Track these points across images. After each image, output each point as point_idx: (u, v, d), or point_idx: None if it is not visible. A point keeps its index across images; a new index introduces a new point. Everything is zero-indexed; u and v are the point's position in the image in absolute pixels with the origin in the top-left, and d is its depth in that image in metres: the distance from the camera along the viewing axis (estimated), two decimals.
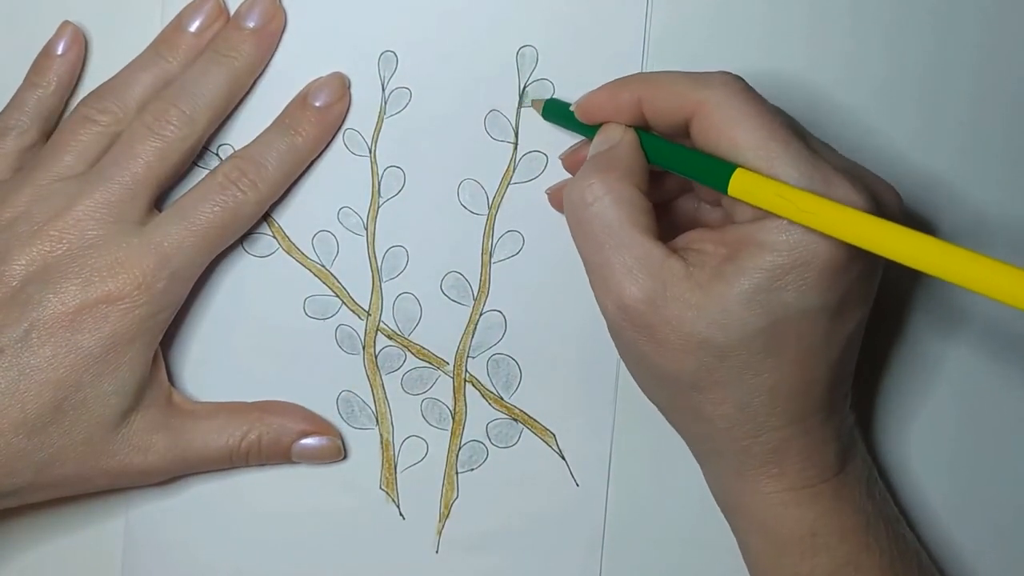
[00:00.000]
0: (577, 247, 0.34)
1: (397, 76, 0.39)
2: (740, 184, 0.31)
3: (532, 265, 0.39)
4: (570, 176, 0.38)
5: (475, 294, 0.40)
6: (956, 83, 0.39)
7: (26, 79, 0.39)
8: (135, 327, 0.35)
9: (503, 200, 0.39)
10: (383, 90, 0.39)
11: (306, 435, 0.39)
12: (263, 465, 0.39)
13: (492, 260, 0.39)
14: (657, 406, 0.36)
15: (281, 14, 0.39)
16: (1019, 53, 0.39)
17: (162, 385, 0.38)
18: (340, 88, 0.38)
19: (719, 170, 0.31)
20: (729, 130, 0.32)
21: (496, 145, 0.39)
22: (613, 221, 0.33)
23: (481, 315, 0.40)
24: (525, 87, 0.39)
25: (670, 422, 0.36)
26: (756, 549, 0.35)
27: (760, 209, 0.31)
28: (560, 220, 0.39)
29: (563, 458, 0.40)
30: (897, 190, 0.34)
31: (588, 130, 0.36)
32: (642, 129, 0.35)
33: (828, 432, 0.34)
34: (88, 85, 0.39)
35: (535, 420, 0.40)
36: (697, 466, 0.37)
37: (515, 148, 0.39)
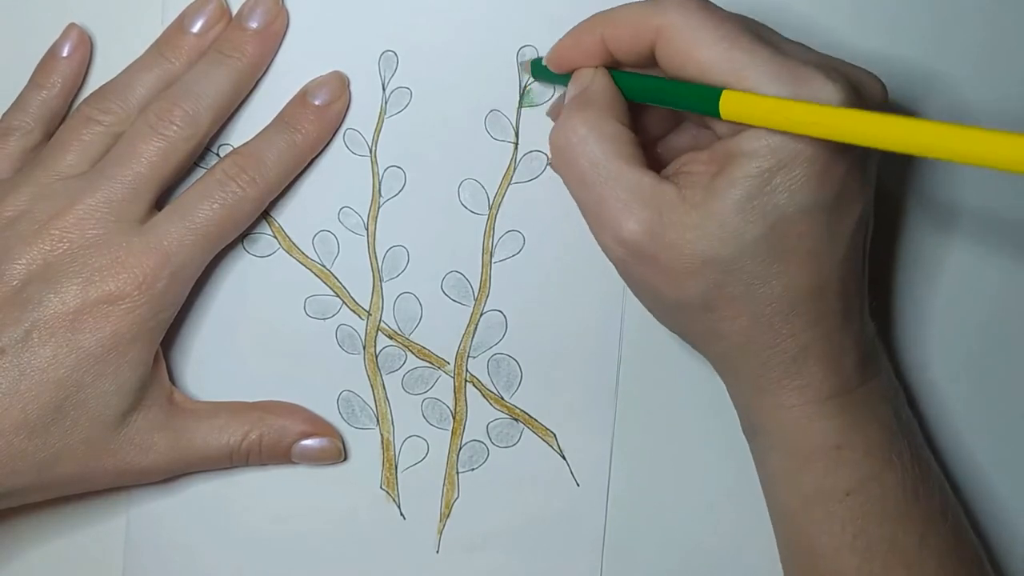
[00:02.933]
0: (569, 190, 0.34)
1: (398, 76, 0.39)
2: (731, 107, 0.31)
3: (533, 265, 0.39)
4: None
5: (476, 294, 0.40)
6: None
7: (31, 80, 0.39)
8: (136, 327, 0.35)
9: (504, 200, 0.39)
10: (384, 90, 0.39)
11: (307, 436, 0.39)
12: (263, 465, 0.39)
13: (493, 260, 0.39)
14: (676, 333, 0.36)
15: (284, 14, 0.39)
16: None
17: (163, 384, 0.38)
18: (339, 87, 0.38)
19: (706, 96, 0.31)
20: (692, 51, 0.32)
21: (497, 145, 0.39)
22: (599, 156, 0.33)
23: (482, 315, 0.40)
24: (526, 87, 0.39)
25: (692, 346, 0.36)
26: (777, 466, 0.35)
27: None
28: (561, 220, 0.39)
29: (564, 458, 0.40)
30: (880, 79, 0.34)
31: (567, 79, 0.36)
32: (614, 68, 0.35)
33: (847, 338, 0.34)
34: (89, 86, 0.39)
35: (536, 420, 0.40)
36: (697, 466, 0.37)
37: (515, 148, 0.39)
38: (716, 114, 0.31)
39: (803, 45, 0.33)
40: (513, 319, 0.39)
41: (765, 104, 0.30)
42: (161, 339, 0.37)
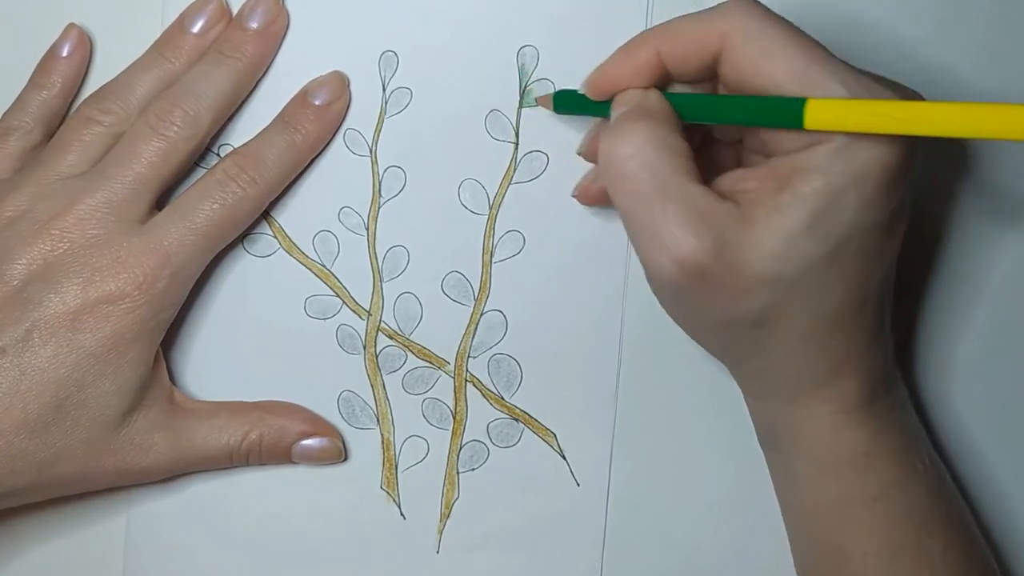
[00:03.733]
0: (619, 207, 0.32)
1: (398, 76, 0.39)
2: (818, 115, 0.29)
3: (533, 265, 0.39)
4: (590, 169, 0.38)
5: (476, 294, 0.40)
6: None
7: (31, 80, 0.39)
8: (136, 326, 0.35)
9: (504, 200, 0.39)
10: (384, 90, 0.39)
11: (307, 436, 0.39)
12: (263, 465, 0.39)
13: (493, 260, 0.39)
14: (708, 349, 0.35)
15: (284, 14, 0.39)
16: None
17: (163, 384, 0.38)
18: (339, 86, 0.38)
19: (786, 108, 0.30)
20: (763, 62, 0.30)
21: (497, 145, 0.39)
22: (662, 169, 0.31)
23: (482, 315, 0.40)
24: (526, 87, 0.39)
25: (721, 360, 0.35)
26: (802, 472, 0.35)
27: (818, 134, 0.30)
28: (561, 220, 0.39)
29: (564, 458, 0.40)
30: (921, 95, 0.33)
31: (604, 109, 0.34)
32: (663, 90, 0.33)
33: (879, 349, 0.34)
34: (89, 86, 0.40)
35: (536, 420, 0.40)
36: (697, 466, 0.37)
37: (516, 148, 0.39)
38: (798, 125, 0.29)
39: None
40: (513, 319, 0.39)
41: (858, 107, 0.29)
42: (161, 339, 0.37)
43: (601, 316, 0.39)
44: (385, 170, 0.39)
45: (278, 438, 0.39)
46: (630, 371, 0.39)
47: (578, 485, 0.40)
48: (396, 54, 0.39)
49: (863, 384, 0.34)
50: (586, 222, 0.38)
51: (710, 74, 0.33)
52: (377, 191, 0.39)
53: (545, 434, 0.40)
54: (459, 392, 0.40)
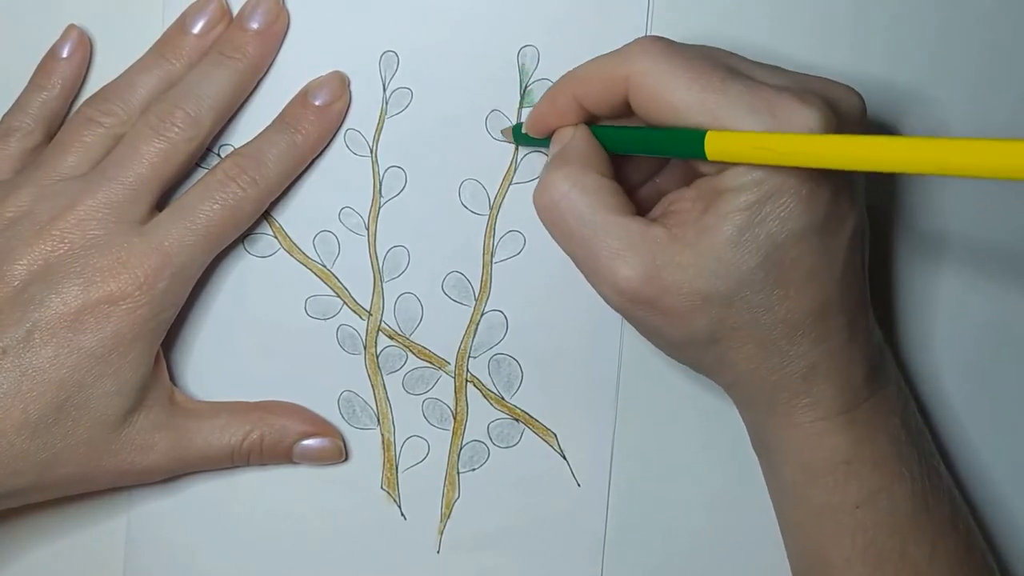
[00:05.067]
0: (560, 246, 0.34)
1: (398, 76, 0.39)
2: (716, 147, 0.31)
3: (533, 265, 0.39)
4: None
5: (476, 294, 0.40)
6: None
7: (31, 81, 0.39)
8: (137, 327, 0.35)
9: (504, 200, 0.39)
10: (384, 90, 0.39)
11: (308, 436, 0.39)
12: (264, 465, 0.39)
13: (493, 260, 0.39)
14: (687, 366, 0.36)
15: (284, 15, 0.39)
16: None
17: (164, 385, 0.38)
18: (340, 87, 0.38)
19: (689, 139, 0.31)
20: (665, 96, 0.32)
21: (497, 145, 0.39)
22: (584, 211, 0.33)
23: (482, 315, 0.40)
24: (527, 87, 0.39)
25: (705, 375, 0.36)
26: (787, 480, 0.35)
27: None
28: None
29: (564, 458, 0.40)
30: (857, 91, 0.34)
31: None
32: (593, 123, 0.35)
33: (855, 352, 0.34)
34: (89, 87, 0.40)
35: (536, 420, 0.40)
36: (698, 466, 0.37)
37: (516, 148, 0.39)
38: (703, 156, 0.31)
39: (774, 67, 0.33)
40: (514, 319, 0.39)
41: (748, 141, 0.30)
42: (162, 339, 0.37)
43: (601, 316, 0.39)
44: (386, 170, 0.39)
45: (279, 438, 0.39)
46: (630, 371, 0.39)
47: (578, 485, 0.40)
48: (396, 54, 0.39)
49: (842, 389, 0.34)
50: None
51: (627, 111, 0.34)
52: (378, 191, 0.39)
53: (545, 434, 0.40)
54: (459, 392, 0.40)
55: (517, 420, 0.40)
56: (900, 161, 0.26)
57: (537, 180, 0.39)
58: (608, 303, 0.34)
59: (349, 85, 0.39)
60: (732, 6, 0.39)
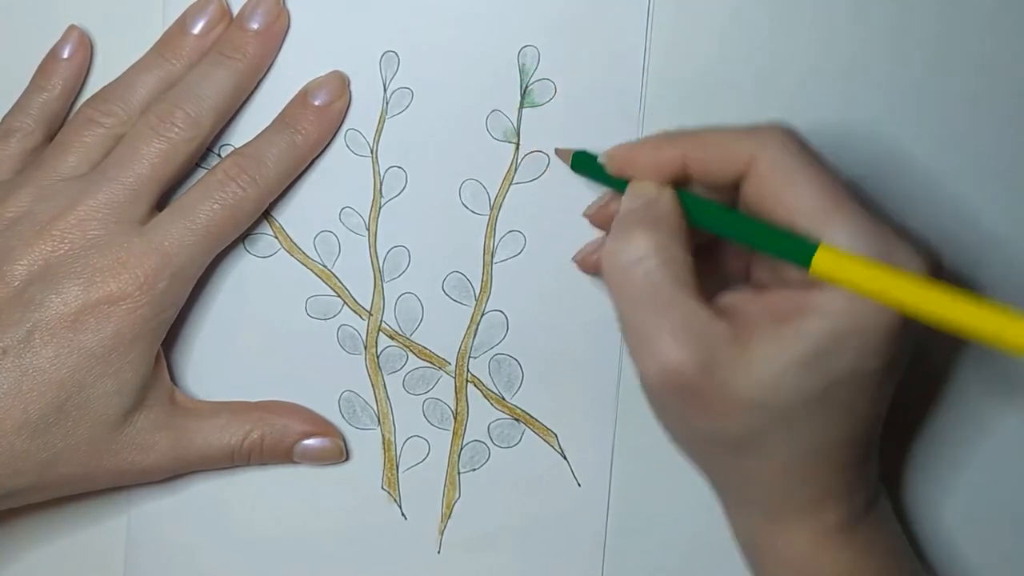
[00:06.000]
0: (616, 307, 0.33)
1: (399, 76, 0.39)
2: (825, 264, 0.29)
3: (534, 265, 0.39)
4: (595, 238, 0.38)
5: (477, 294, 0.40)
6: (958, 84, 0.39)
7: (31, 82, 0.39)
8: (137, 327, 0.35)
9: (505, 200, 0.39)
10: (385, 90, 0.39)
11: (308, 436, 0.39)
12: (264, 465, 0.39)
13: (494, 260, 0.39)
14: (690, 459, 0.35)
15: (285, 15, 0.39)
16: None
17: (164, 384, 0.38)
18: (340, 86, 0.38)
19: (798, 246, 0.30)
20: (785, 193, 0.30)
21: (498, 145, 0.39)
22: (661, 282, 0.31)
23: (483, 315, 0.40)
24: (527, 87, 0.39)
25: (701, 471, 0.35)
26: None
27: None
28: (562, 220, 0.39)
29: (565, 458, 0.40)
30: (937, 252, 0.32)
31: (618, 182, 0.35)
32: (681, 188, 0.33)
33: (865, 479, 0.34)
34: (89, 87, 0.40)
35: (537, 420, 0.40)
36: None
37: (517, 148, 0.39)
38: (803, 266, 0.30)
39: (879, 210, 0.32)
40: (514, 319, 0.39)
41: (864, 269, 0.29)
42: (162, 339, 0.37)
43: (602, 316, 0.39)
44: (386, 170, 0.39)
45: (279, 438, 0.39)
46: (631, 371, 0.39)
47: (579, 485, 0.40)
48: (397, 54, 0.39)
49: (846, 513, 0.33)
50: (587, 223, 0.38)
51: (731, 188, 0.33)
52: (378, 191, 0.39)
53: (546, 434, 0.40)
54: (460, 392, 0.40)
55: (518, 420, 0.40)
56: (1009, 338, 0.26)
57: (538, 180, 0.39)
58: (643, 379, 0.33)
59: (349, 85, 0.39)
60: (733, 6, 0.39)
